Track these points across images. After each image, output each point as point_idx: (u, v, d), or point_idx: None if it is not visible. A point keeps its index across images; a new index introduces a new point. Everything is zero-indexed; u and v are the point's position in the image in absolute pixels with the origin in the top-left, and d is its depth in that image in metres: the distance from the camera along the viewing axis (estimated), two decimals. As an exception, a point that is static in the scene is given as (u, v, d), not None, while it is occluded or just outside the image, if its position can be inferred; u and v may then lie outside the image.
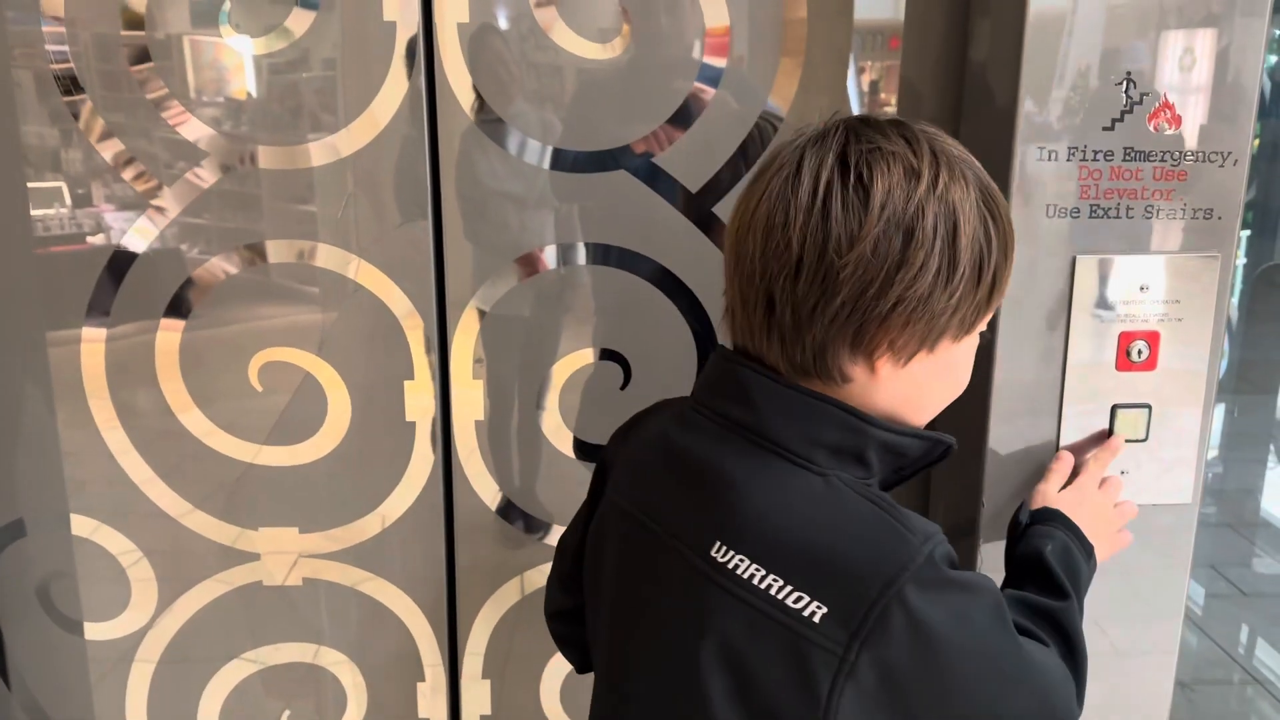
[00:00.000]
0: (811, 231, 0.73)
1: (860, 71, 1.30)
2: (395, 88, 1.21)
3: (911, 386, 0.80)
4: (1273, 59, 2.16)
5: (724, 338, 0.86)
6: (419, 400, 1.31)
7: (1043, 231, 1.06)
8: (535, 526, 1.37)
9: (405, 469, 1.33)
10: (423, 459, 1.33)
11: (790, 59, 1.23)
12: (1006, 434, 1.10)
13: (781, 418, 0.77)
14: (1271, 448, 2.37)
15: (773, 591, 0.73)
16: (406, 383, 1.30)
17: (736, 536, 0.76)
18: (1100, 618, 1.17)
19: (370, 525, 1.35)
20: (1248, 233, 2.25)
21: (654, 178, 1.25)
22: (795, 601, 0.73)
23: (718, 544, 0.77)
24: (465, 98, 1.22)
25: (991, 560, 1.14)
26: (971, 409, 1.15)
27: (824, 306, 0.74)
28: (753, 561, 0.75)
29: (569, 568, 0.99)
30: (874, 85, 1.31)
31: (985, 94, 1.13)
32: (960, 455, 1.19)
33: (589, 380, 1.33)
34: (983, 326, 0.82)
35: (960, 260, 0.74)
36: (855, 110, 1.31)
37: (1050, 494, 1.02)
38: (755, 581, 0.74)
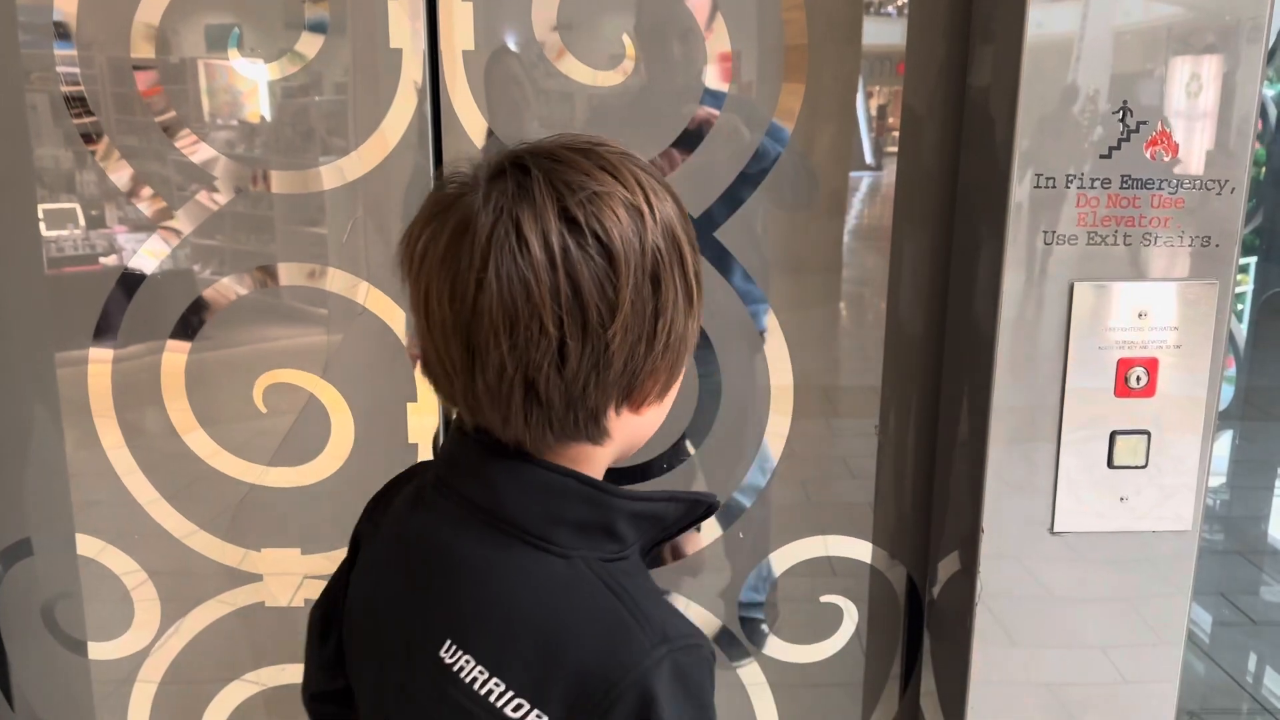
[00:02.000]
0: (568, 312, 0.65)
1: (868, 96, 1.31)
2: (402, 113, 1.23)
3: (645, 423, 0.75)
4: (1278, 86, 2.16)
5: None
6: (422, 422, 1.32)
7: (1040, 258, 1.06)
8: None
9: (408, 490, 1.34)
10: (425, 480, 1.33)
11: (794, 84, 1.25)
12: (1005, 460, 1.11)
13: (521, 497, 0.71)
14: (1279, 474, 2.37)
15: (493, 699, 0.68)
16: (410, 404, 1.31)
17: (465, 634, 0.71)
18: (1103, 644, 1.17)
19: (373, 546, 1.36)
20: (1255, 259, 2.25)
21: (657, 203, 1.26)
22: (515, 710, 0.68)
23: (448, 643, 0.71)
24: (471, 124, 1.23)
25: (992, 585, 1.14)
26: (971, 434, 1.15)
27: (599, 380, 0.68)
28: (478, 664, 0.69)
29: (330, 652, 0.88)
30: (881, 110, 1.32)
31: (985, 121, 1.14)
32: (961, 480, 1.20)
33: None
34: None
35: (689, 277, 0.71)
36: (864, 136, 1.32)
37: None
38: (478, 688, 0.69)
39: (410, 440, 1.32)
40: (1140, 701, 1.18)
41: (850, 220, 1.34)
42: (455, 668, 0.70)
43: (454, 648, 0.71)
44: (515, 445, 0.71)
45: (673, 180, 1.26)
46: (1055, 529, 1.11)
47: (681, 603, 1.39)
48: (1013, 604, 1.15)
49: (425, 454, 1.33)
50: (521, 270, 0.64)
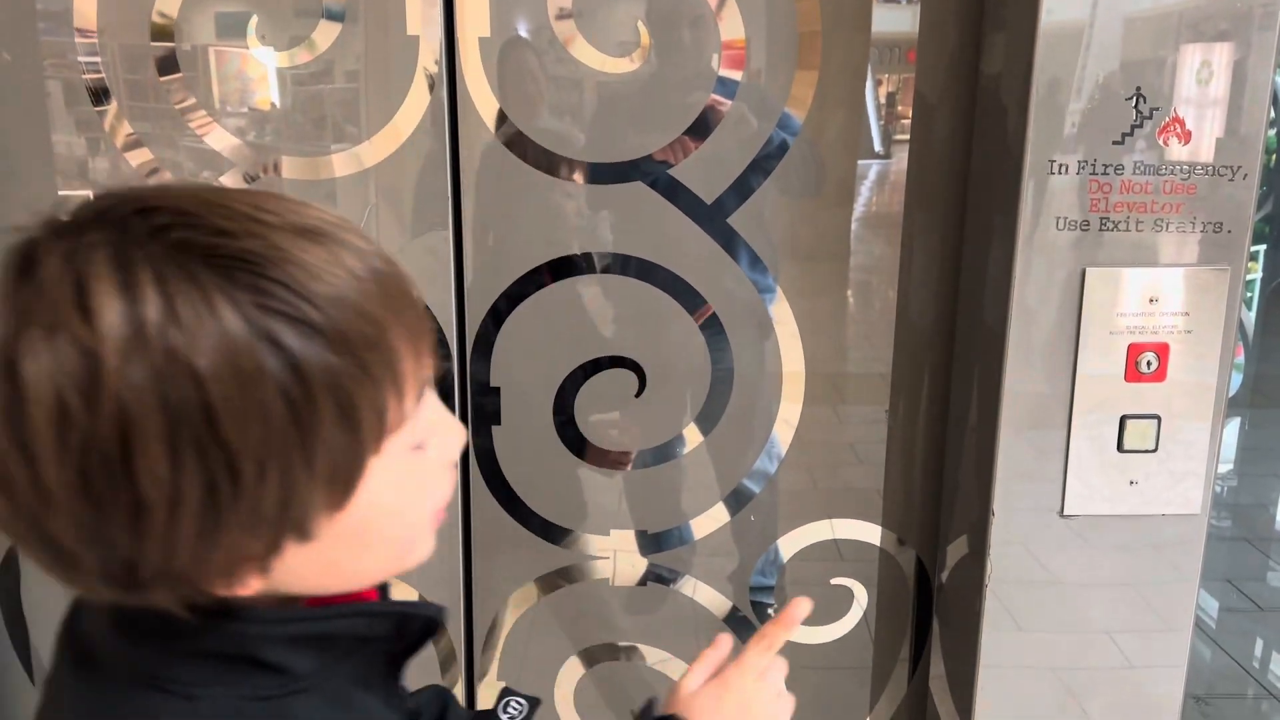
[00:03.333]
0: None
1: (878, 84, 1.32)
2: (418, 101, 1.24)
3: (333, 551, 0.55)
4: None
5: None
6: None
7: (1053, 244, 1.07)
8: (552, 532, 1.39)
9: (423, 474, 1.35)
10: (440, 464, 1.35)
11: (806, 71, 1.25)
12: (1016, 444, 1.12)
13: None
14: (1288, 461, 2.37)
15: None
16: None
17: None
18: (1110, 629, 1.18)
19: (388, 529, 1.37)
20: (1264, 247, 2.26)
21: (671, 189, 1.27)
22: None
23: None
24: (486, 111, 1.24)
25: (1001, 569, 1.16)
26: (981, 420, 1.16)
27: None
28: None
29: None
30: (891, 98, 1.33)
31: (997, 108, 1.14)
32: (971, 466, 1.21)
33: (605, 388, 1.35)
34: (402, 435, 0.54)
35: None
36: (874, 124, 1.33)
37: (686, 688, 0.81)
38: None
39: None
40: (1147, 686, 1.19)
41: (860, 208, 1.35)
42: None
43: None
44: None
45: (684, 168, 1.28)
46: (1065, 513, 1.12)
47: (692, 585, 1.41)
48: (1021, 588, 1.16)
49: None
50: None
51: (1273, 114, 2.18)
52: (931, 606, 1.37)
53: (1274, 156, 2.24)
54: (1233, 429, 2.13)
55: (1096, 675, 1.19)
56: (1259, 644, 2.41)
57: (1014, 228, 1.06)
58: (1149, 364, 1.09)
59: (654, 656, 1.44)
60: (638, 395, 1.34)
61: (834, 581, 1.44)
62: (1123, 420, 1.10)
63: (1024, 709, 1.20)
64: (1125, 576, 1.07)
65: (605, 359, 1.34)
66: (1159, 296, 1.08)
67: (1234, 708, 2.22)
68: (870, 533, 1.40)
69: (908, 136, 1.29)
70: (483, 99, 1.24)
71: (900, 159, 1.30)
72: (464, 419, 1.34)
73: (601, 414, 1.37)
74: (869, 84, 1.29)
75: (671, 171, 1.27)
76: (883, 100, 1.33)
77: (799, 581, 1.43)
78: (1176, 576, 1.16)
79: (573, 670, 1.43)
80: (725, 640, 0.85)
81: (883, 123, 1.33)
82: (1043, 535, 1.13)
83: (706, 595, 1.41)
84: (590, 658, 1.44)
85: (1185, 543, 1.14)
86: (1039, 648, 1.19)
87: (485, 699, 1.44)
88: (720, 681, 0.81)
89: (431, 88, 1.23)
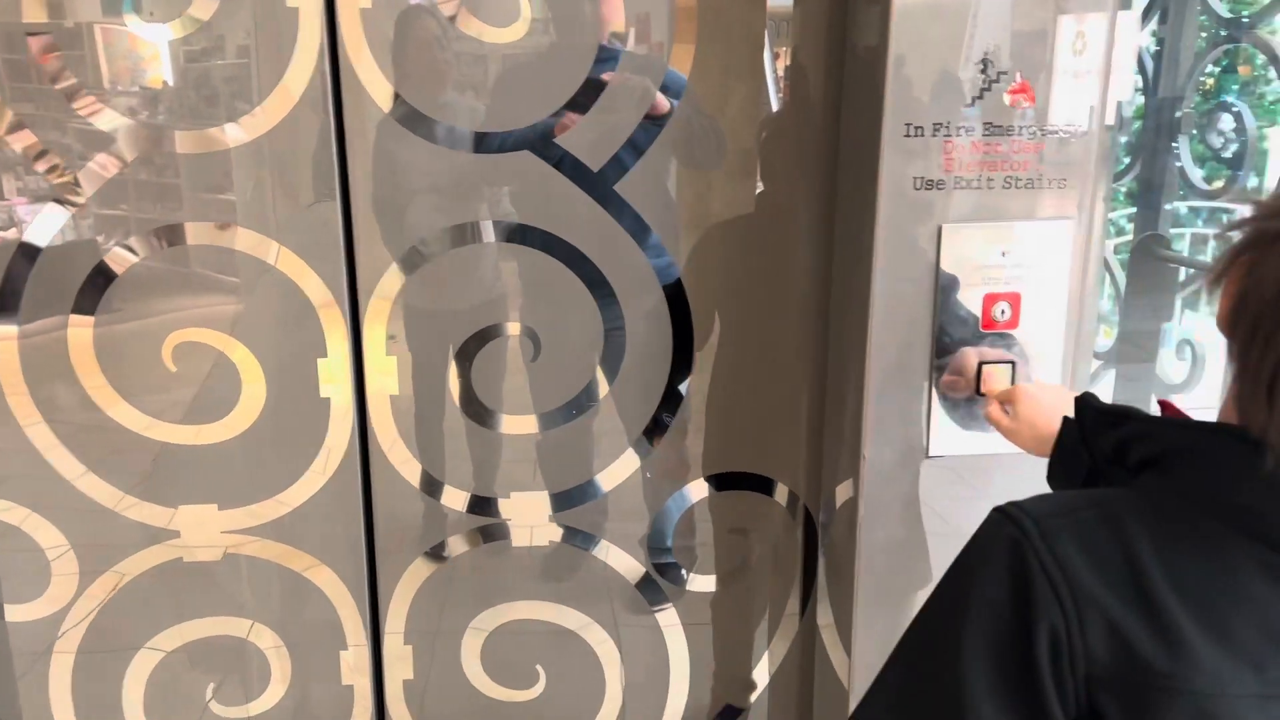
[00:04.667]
0: None
1: (775, 57, 1.37)
2: (302, 71, 1.25)
3: None
4: (1152, 39, 2.28)
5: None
6: (333, 377, 1.35)
7: (911, 203, 1.14)
8: (453, 497, 1.43)
9: (321, 444, 1.37)
10: (339, 434, 1.37)
11: (684, 45, 1.30)
12: (885, 392, 1.19)
13: None
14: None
15: None
16: (320, 360, 1.34)
17: None
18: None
19: (290, 499, 1.39)
20: (1135, 209, 2.38)
21: (557, 158, 1.31)
22: None
23: None
24: (370, 81, 1.26)
25: (873, 510, 1.23)
26: (853, 370, 1.23)
27: None
28: None
29: None
30: (774, 68, 1.38)
31: (864, 76, 1.21)
32: (848, 415, 1.28)
33: (501, 355, 1.39)
34: None
35: None
36: (772, 92, 1.38)
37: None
38: None
39: (322, 395, 1.36)
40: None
41: (749, 176, 1.40)
42: None
43: None
44: None
45: (571, 138, 1.32)
46: (930, 453, 1.20)
47: (604, 547, 1.46)
48: (895, 525, 1.23)
49: (339, 408, 1.36)
50: None
51: (1141, 81, 2.31)
52: (818, 552, 1.45)
53: (1138, 122, 2.36)
54: (1108, 384, 2.26)
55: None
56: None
57: (875, 189, 1.13)
58: (1003, 312, 1.17)
59: (567, 618, 1.49)
60: (534, 360, 1.38)
61: (729, 534, 1.51)
62: (980, 365, 1.17)
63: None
64: (971, 519, 1.15)
65: (500, 326, 1.37)
66: (1010, 249, 1.16)
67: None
68: (763, 486, 1.47)
69: (787, 104, 1.35)
70: (367, 70, 1.26)
71: (788, 126, 1.36)
72: (360, 388, 1.36)
73: (498, 380, 1.40)
74: (766, 54, 1.34)
75: (559, 141, 1.31)
76: (780, 72, 1.38)
77: (694, 537, 1.49)
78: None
79: (478, 632, 1.47)
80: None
81: (781, 94, 1.38)
82: (912, 474, 1.21)
83: (618, 558, 1.47)
84: (499, 620, 1.48)
85: (1044, 480, 1.23)
86: (915, 583, 1.27)
87: (392, 664, 1.48)
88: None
89: (316, 59, 1.25)
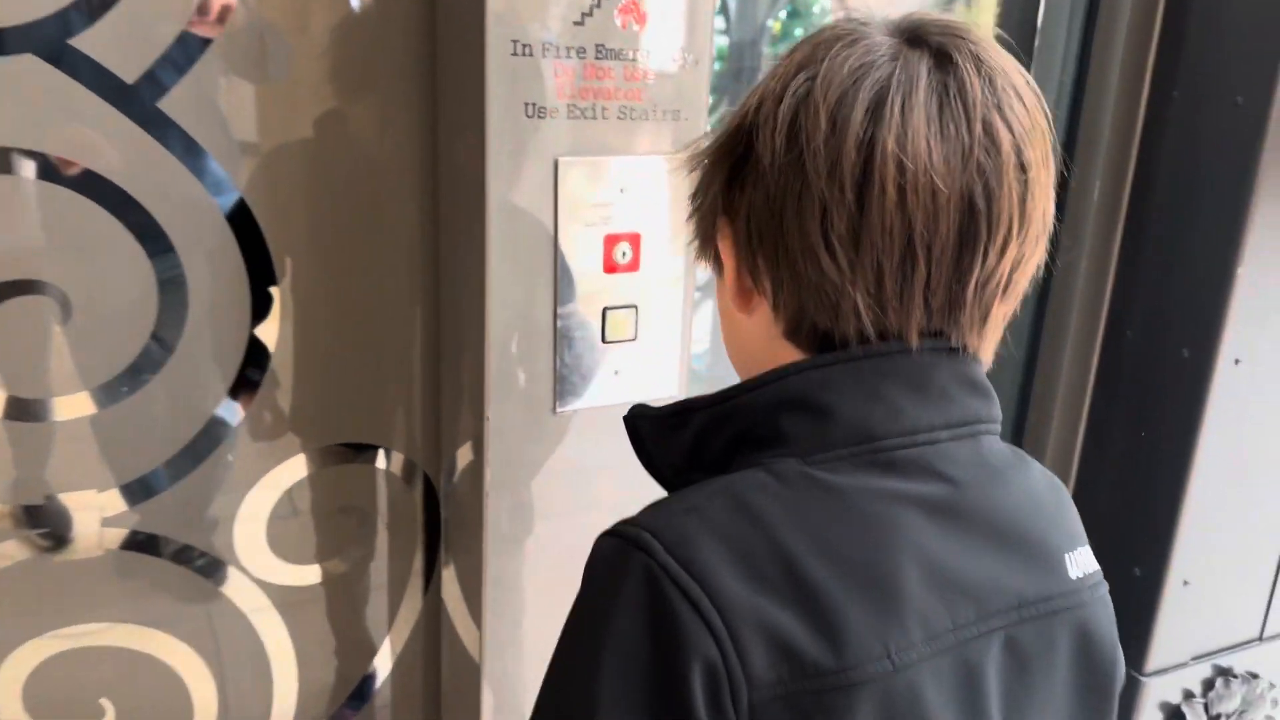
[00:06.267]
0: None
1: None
2: None
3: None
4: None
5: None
6: None
7: (524, 133, 1.01)
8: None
9: None
10: None
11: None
12: (506, 344, 1.07)
13: None
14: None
15: None
16: None
17: None
18: (617, 507, 1.20)
19: None
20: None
21: (73, 64, 1.01)
22: None
23: None
24: None
25: (500, 474, 1.12)
26: (471, 323, 1.10)
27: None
28: None
29: None
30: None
31: (461, -17, 1.05)
32: (468, 373, 1.15)
33: (16, 321, 1.07)
34: None
35: None
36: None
37: None
38: None
39: None
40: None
41: (327, 92, 1.19)
42: None
43: None
44: None
45: (91, 38, 1.02)
46: (557, 410, 1.11)
47: (181, 548, 1.21)
48: (524, 489, 1.14)
49: None
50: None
51: (724, 23, 2.36)
52: (440, 520, 1.32)
53: (720, 63, 2.43)
54: (706, 311, 2.34)
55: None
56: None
57: (483, 113, 0.99)
58: (624, 254, 1.09)
59: (140, 638, 1.23)
60: (64, 324, 1.09)
61: (340, 507, 1.32)
62: (604, 312, 1.09)
63: (532, 612, 1.20)
64: (623, 460, 1.09)
65: (10, 284, 1.06)
66: (628, 186, 1.07)
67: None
68: (373, 454, 1.30)
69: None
70: None
71: (376, 32, 1.16)
72: None
73: (20, 352, 1.09)
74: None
75: (74, 41, 1.01)
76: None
77: (299, 514, 1.29)
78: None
79: (21, 666, 1.17)
80: None
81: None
82: (540, 434, 1.11)
83: (197, 555, 1.22)
84: (44, 644, 1.18)
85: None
86: (545, 551, 1.19)
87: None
88: None
89: None
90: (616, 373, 1.11)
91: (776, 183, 0.59)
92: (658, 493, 0.67)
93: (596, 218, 1.07)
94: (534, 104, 1.01)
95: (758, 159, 0.60)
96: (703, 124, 1.11)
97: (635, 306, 1.11)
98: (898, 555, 0.58)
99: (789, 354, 0.63)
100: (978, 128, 0.58)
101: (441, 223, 1.18)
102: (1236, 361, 1.48)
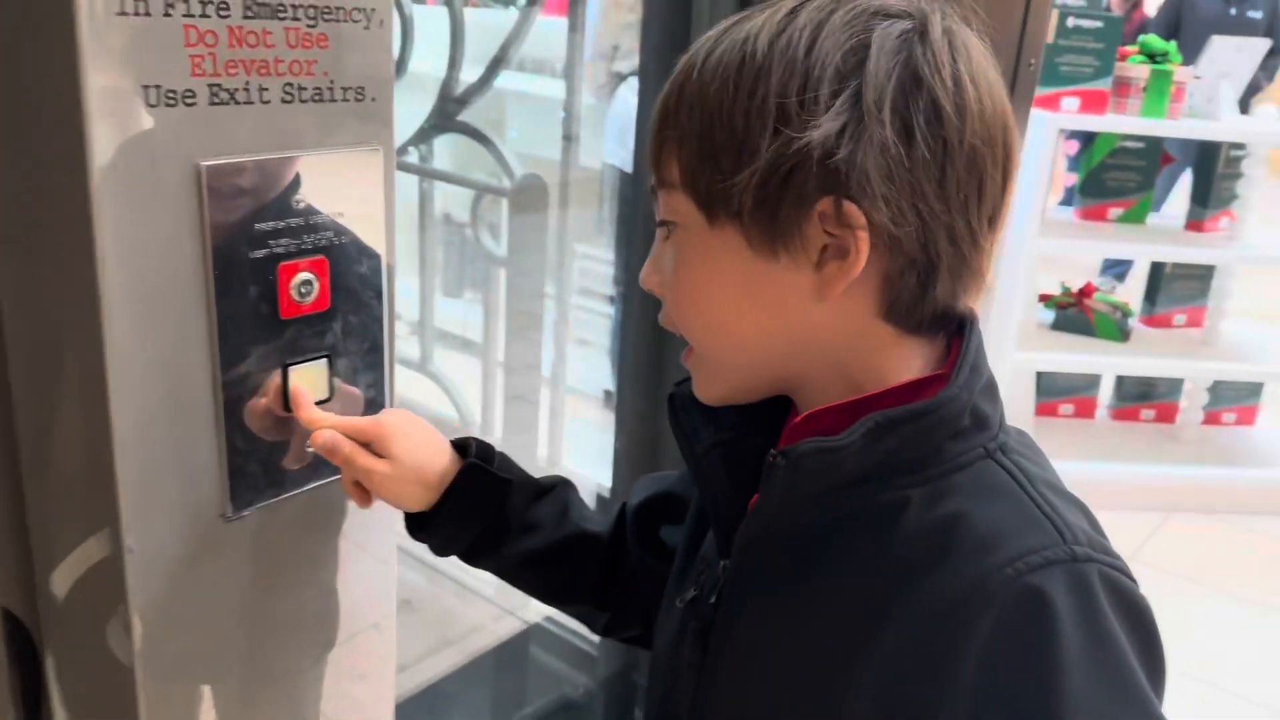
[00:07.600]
0: None
1: None
2: None
3: None
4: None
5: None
6: None
7: (148, 127, 0.67)
8: None
9: None
10: None
11: None
12: (144, 438, 0.73)
13: None
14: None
15: None
16: None
17: None
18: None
19: None
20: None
21: None
22: None
23: None
24: None
25: (152, 615, 0.78)
26: (68, 413, 0.74)
27: None
28: None
29: None
30: None
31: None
32: (65, 477, 0.78)
33: None
34: None
35: None
36: None
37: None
38: None
39: None
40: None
41: None
42: None
43: None
44: None
45: None
46: (234, 514, 0.79)
47: None
48: (190, 631, 0.81)
49: None
50: None
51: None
52: (40, 663, 0.93)
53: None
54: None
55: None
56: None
57: (79, 108, 0.63)
58: (306, 288, 0.79)
59: None
60: None
61: None
62: (284, 369, 0.79)
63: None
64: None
65: None
66: (306, 196, 0.77)
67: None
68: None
69: None
70: None
71: None
72: None
73: None
74: None
75: None
76: None
77: None
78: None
79: None
80: None
81: None
82: (210, 552, 0.79)
83: None
84: None
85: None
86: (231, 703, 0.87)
87: None
88: None
89: None
90: (310, 449, 0.82)
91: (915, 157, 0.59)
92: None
93: (266, 243, 0.76)
94: (159, 86, 0.67)
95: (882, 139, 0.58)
96: (391, 105, 0.83)
97: (328, 355, 0.82)
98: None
99: (878, 336, 0.62)
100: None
101: (5, 277, 0.78)
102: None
